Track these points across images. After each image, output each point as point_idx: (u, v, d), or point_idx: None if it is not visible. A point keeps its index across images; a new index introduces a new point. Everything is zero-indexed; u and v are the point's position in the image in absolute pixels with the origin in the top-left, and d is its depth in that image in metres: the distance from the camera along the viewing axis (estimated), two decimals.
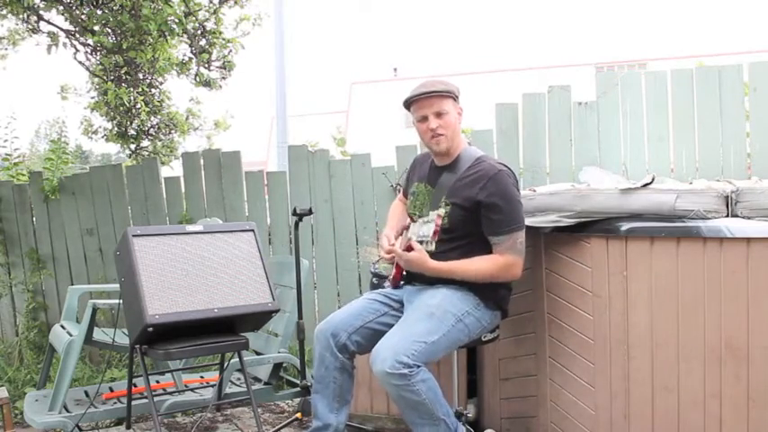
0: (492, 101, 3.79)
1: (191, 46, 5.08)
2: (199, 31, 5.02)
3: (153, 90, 6.13)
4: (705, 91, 3.32)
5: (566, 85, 3.53)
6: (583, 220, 2.35)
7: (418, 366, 2.10)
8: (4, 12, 4.92)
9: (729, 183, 2.34)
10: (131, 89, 5.66)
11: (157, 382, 3.36)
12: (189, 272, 2.65)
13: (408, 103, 2.40)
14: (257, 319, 2.81)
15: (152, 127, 6.47)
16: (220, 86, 5.52)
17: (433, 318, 2.22)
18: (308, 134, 5.37)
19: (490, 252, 2.32)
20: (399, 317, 2.37)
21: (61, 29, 5.00)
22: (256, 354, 3.43)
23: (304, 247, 3.85)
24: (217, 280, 2.68)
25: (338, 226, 4.05)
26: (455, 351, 2.56)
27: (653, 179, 2.31)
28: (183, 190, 4.44)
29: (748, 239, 2.09)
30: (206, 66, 5.24)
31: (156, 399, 2.89)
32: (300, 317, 3.10)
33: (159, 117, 6.36)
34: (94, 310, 3.06)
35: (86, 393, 3.28)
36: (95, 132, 7.20)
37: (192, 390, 3.32)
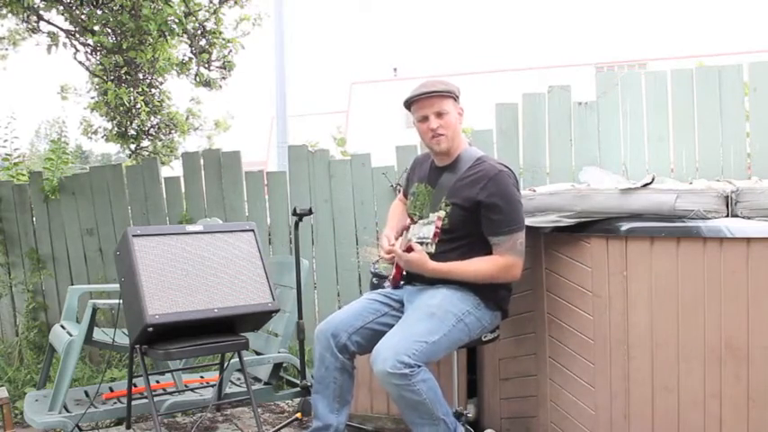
0: (492, 101, 3.79)
1: (191, 46, 5.08)
2: (199, 31, 5.02)
3: (153, 90, 6.13)
4: (705, 91, 3.32)
5: (566, 85, 3.53)
6: (583, 220, 2.35)
7: (419, 366, 2.10)
8: (4, 11, 4.91)
9: (729, 183, 2.34)
10: (131, 89, 5.66)
11: (157, 382, 3.36)
12: (189, 272, 2.65)
13: (409, 103, 2.40)
14: (257, 319, 2.81)
15: (152, 127, 6.47)
16: (220, 86, 5.52)
17: (434, 318, 2.22)
18: (308, 134, 5.37)
19: (490, 252, 2.32)
20: (400, 317, 2.37)
21: (61, 29, 5.00)
22: (256, 354, 3.43)
23: (304, 247, 3.85)
24: (217, 280, 2.68)
25: (338, 226, 4.05)
26: (455, 351, 2.56)
27: (653, 179, 2.31)
28: (183, 190, 4.44)
29: (748, 239, 2.09)
30: (206, 66, 5.24)
31: (156, 399, 2.89)
32: (300, 317, 3.10)
33: (159, 117, 6.36)
34: (94, 310, 3.06)
35: (86, 393, 3.28)
36: (95, 132, 7.20)
37: (192, 390, 3.32)
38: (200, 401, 3.23)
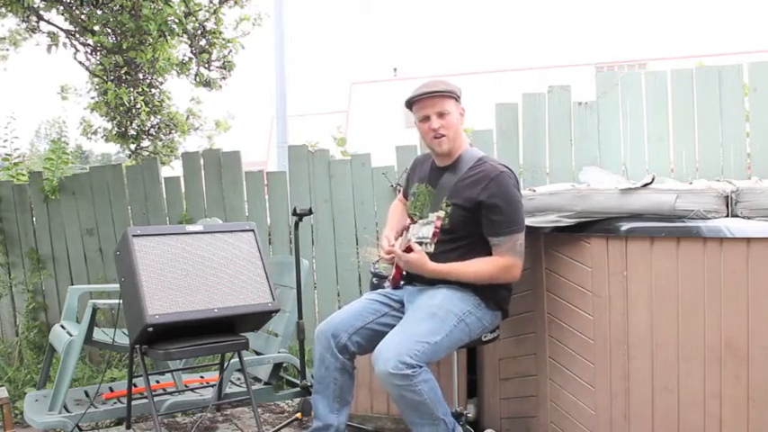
0: (492, 101, 3.79)
1: (191, 46, 5.08)
2: (199, 31, 5.02)
3: (153, 90, 6.13)
4: (705, 91, 3.32)
5: (566, 85, 3.53)
6: (583, 220, 2.35)
7: (420, 367, 2.10)
8: (3, 11, 4.91)
9: (729, 183, 2.34)
10: (131, 89, 5.66)
11: (157, 382, 3.36)
12: (189, 272, 2.65)
13: (410, 103, 2.40)
14: (257, 319, 2.81)
15: (152, 127, 6.47)
16: (220, 86, 5.51)
17: (436, 318, 2.22)
18: (308, 134, 5.37)
19: (490, 253, 2.32)
20: (400, 317, 2.37)
21: (61, 29, 5.00)
22: (256, 354, 3.43)
23: (304, 247, 3.85)
24: (217, 280, 2.68)
25: (338, 226, 4.05)
26: (455, 351, 2.56)
27: (653, 179, 2.31)
28: (183, 190, 4.44)
29: (748, 239, 2.09)
30: (206, 66, 5.24)
31: (156, 399, 2.89)
32: (300, 317, 3.10)
33: (159, 117, 6.36)
34: (94, 310, 3.06)
35: (86, 393, 3.28)
36: (95, 133, 7.20)
37: (192, 390, 3.32)
38: (200, 401, 3.23)
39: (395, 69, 22.69)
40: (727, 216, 2.22)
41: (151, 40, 4.50)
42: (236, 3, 5.20)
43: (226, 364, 3.07)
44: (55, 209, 4.67)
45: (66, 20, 4.89)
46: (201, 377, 3.63)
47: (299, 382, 3.12)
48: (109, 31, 4.64)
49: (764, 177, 2.94)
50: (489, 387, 2.87)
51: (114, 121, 6.15)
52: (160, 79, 5.95)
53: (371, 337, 2.36)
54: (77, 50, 5.20)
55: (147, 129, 6.36)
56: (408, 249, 2.27)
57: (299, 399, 3.13)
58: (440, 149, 2.38)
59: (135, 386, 2.94)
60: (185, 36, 4.88)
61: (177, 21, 4.43)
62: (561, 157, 3.52)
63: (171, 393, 3.25)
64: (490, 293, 2.34)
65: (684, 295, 2.18)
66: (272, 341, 3.37)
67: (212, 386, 3.28)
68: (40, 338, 4.57)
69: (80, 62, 5.34)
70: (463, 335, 2.28)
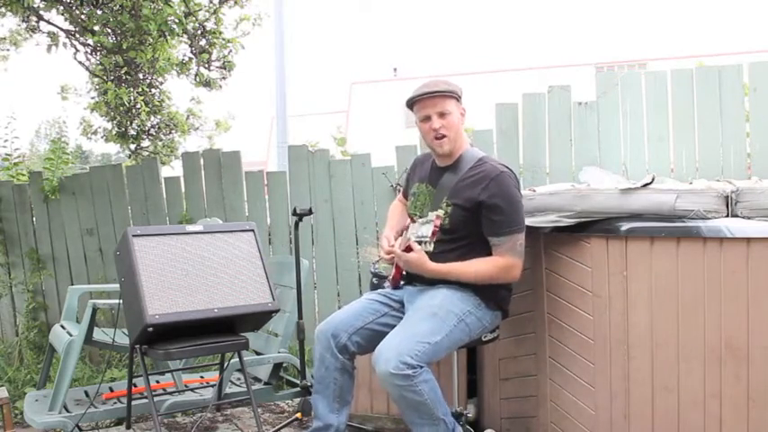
0: (492, 101, 3.79)
1: (191, 46, 5.08)
2: (199, 31, 5.02)
3: (153, 90, 6.13)
4: (705, 91, 3.32)
5: (566, 85, 3.53)
6: (583, 220, 2.35)
7: (421, 367, 2.10)
8: (3, 10, 4.91)
9: (729, 183, 2.34)
10: (131, 89, 5.66)
11: (157, 382, 3.36)
12: (189, 272, 2.65)
13: (411, 103, 2.39)
14: (257, 319, 2.81)
15: (152, 127, 6.47)
16: (220, 86, 5.51)
17: (436, 318, 2.22)
18: (308, 134, 5.37)
19: (490, 253, 2.32)
20: (400, 317, 2.37)
21: (61, 29, 5.00)
22: (256, 354, 3.43)
23: (304, 247, 3.85)
24: (217, 280, 2.68)
25: (338, 226, 4.05)
26: (455, 351, 2.56)
27: (653, 179, 2.31)
28: (183, 190, 4.44)
29: (748, 239, 2.09)
30: (206, 66, 5.24)
31: (156, 399, 2.89)
32: (300, 317, 3.10)
33: (159, 117, 6.36)
34: (94, 310, 3.06)
35: (86, 393, 3.28)
36: (95, 133, 7.20)
37: (192, 390, 3.32)
38: (200, 401, 3.23)
39: (395, 69, 22.69)
40: (727, 216, 2.22)
41: (151, 40, 4.50)
42: (236, 3, 5.20)
43: (226, 364, 3.07)
44: (55, 209, 4.67)
45: (66, 20, 4.89)
46: (201, 377, 3.63)
47: (299, 382, 3.12)
48: (109, 31, 4.64)
49: (764, 177, 2.94)
50: (489, 387, 2.87)
51: (114, 121, 6.15)
52: (160, 79, 5.95)
53: (371, 338, 2.36)
54: (77, 50, 5.20)
55: (147, 129, 6.36)
56: (408, 249, 2.27)
57: (299, 399, 3.13)
58: (441, 150, 2.38)
59: (135, 386, 2.94)
60: (185, 36, 4.88)
61: (177, 21, 4.43)
62: (561, 157, 3.52)
63: (171, 393, 3.25)
64: (490, 293, 2.34)
65: (684, 295, 2.18)
66: (272, 341, 3.37)
67: (212, 386, 3.28)
68: (40, 338, 4.57)
69: (80, 62, 5.34)
70: (463, 335, 2.28)
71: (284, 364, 3.50)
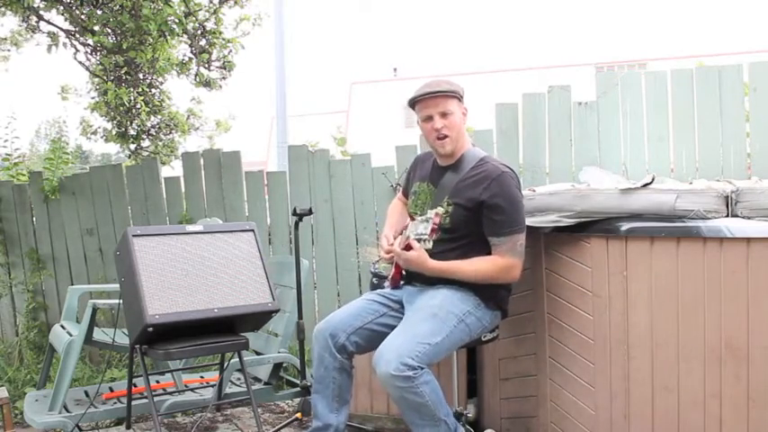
0: (492, 101, 3.79)
1: (191, 46, 5.08)
2: (199, 31, 5.01)
3: (153, 90, 6.13)
4: (705, 91, 3.32)
5: (566, 85, 3.53)
6: (583, 220, 2.35)
7: (422, 368, 2.10)
8: (3, 10, 4.91)
9: (729, 183, 2.34)
10: (131, 89, 5.66)
11: (157, 382, 3.36)
12: (189, 272, 2.65)
13: (413, 103, 2.40)
14: (257, 319, 2.81)
15: (152, 127, 6.47)
16: (220, 86, 5.51)
17: (436, 318, 2.22)
18: (308, 134, 5.37)
19: (489, 253, 2.32)
20: (398, 317, 2.37)
21: (61, 29, 5.00)
22: (256, 354, 3.43)
23: (304, 247, 3.85)
24: (217, 280, 2.69)
25: (338, 226, 4.05)
26: (455, 351, 2.56)
27: (653, 179, 2.31)
28: (183, 190, 4.44)
29: (748, 239, 2.09)
30: (206, 66, 5.24)
31: (156, 399, 2.89)
32: (300, 317, 3.10)
33: (159, 117, 6.36)
34: (94, 310, 3.06)
35: (86, 393, 3.29)
36: (94, 133, 7.20)
37: (192, 390, 3.32)
38: (200, 401, 3.23)
39: (395, 69, 22.69)
40: (727, 216, 2.22)
41: (151, 40, 4.50)
42: (236, 3, 5.19)
43: (226, 364, 3.07)
44: (55, 209, 4.67)
45: (66, 20, 4.89)
46: (201, 377, 3.63)
47: (299, 382, 3.12)
48: (109, 31, 4.64)
49: (764, 177, 2.94)
50: (489, 387, 2.87)
51: (114, 121, 6.14)
52: (160, 79, 5.95)
53: (370, 338, 2.36)
54: (77, 50, 5.20)
55: (147, 129, 6.35)
56: (408, 247, 2.26)
57: (299, 399, 3.13)
58: (443, 151, 2.38)
59: (135, 386, 2.94)
60: (185, 36, 4.88)
61: (177, 21, 4.43)
62: (561, 157, 3.52)
63: (171, 393, 3.25)
64: (490, 293, 2.34)
65: (684, 295, 2.18)
66: (272, 341, 3.37)
67: (212, 386, 3.28)
68: (40, 338, 4.57)
69: (80, 62, 5.34)
70: (463, 335, 2.28)
71: (284, 364, 3.50)
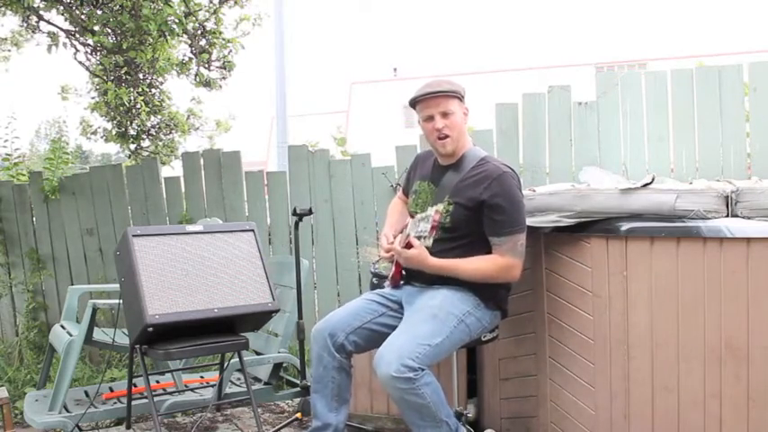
0: (492, 101, 3.79)
1: (191, 46, 5.08)
2: (199, 31, 5.01)
3: (153, 90, 6.13)
4: (705, 91, 3.32)
5: (566, 85, 3.53)
6: (583, 220, 2.35)
7: (423, 370, 2.10)
8: (3, 9, 4.91)
9: (729, 183, 2.34)
10: (131, 89, 5.66)
11: (157, 382, 3.36)
12: (189, 272, 2.65)
13: (414, 103, 2.40)
14: (257, 319, 2.81)
15: (152, 127, 6.47)
16: (220, 86, 5.51)
17: (436, 319, 2.22)
18: (308, 134, 5.37)
19: (490, 252, 2.32)
20: (397, 317, 2.37)
21: (61, 29, 5.00)
22: (256, 354, 3.43)
23: (304, 247, 3.85)
24: (217, 280, 2.69)
25: (338, 226, 4.05)
26: (455, 351, 2.56)
27: (653, 179, 2.31)
28: (183, 190, 4.44)
29: (748, 239, 2.09)
30: (206, 66, 5.23)
31: (156, 399, 2.89)
32: (300, 317, 3.10)
33: (159, 117, 6.36)
34: (94, 310, 3.06)
35: (86, 393, 3.29)
36: (94, 133, 7.20)
37: (192, 390, 3.32)
38: (200, 401, 3.23)
39: (395, 69, 22.69)
40: (727, 216, 2.22)
41: (151, 40, 4.50)
42: (236, 3, 5.19)
43: (226, 364, 3.07)
44: (55, 209, 4.67)
45: (66, 20, 4.89)
46: (201, 377, 3.63)
47: (299, 382, 3.12)
48: (109, 31, 4.64)
49: (764, 177, 2.94)
50: (489, 387, 2.87)
51: (114, 121, 6.15)
52: (160, 79, 5.95)
53: (369, 337, 2.36)
54: (77, 50, 5.20)
55: (147, 129, 6.36)
56: (408, 246, 2.26)
57: (299, 399, 3.14)
58: (443, 150, 2.39)
59: (135, 386, 2.94)
60: (185, 36, 4.87)
61: (177, 21, 4.43)
62: (561, 157, 3.52)
63: (171, 393, 3.25)
64: (489, 293, 2.34)
65: (684, 295, 2.18)
66: (272, 341, 3.37)
67: (212, 386, 3.28)
68: (40, 338, 4.57)
69: (80, 62, 5.34)
70: (464, 335, 2.28)
71: (284, 364, 3.50)
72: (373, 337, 2.37)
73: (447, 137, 2.35)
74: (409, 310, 2.35)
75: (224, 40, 5.17)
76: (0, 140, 4.93)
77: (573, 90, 3.52)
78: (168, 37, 4.48)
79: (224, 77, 5.45)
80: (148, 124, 6.35)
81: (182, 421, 3.22)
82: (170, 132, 6.75)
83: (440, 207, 2.20)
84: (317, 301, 4.14)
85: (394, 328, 2.32)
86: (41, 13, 4.86)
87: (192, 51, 5.16)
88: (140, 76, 5.68)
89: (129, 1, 4.24)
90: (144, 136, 6.36)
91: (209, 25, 5.07)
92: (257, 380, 3.39)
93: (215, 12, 5.03)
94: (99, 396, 3.17)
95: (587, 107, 3.48)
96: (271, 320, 2.90)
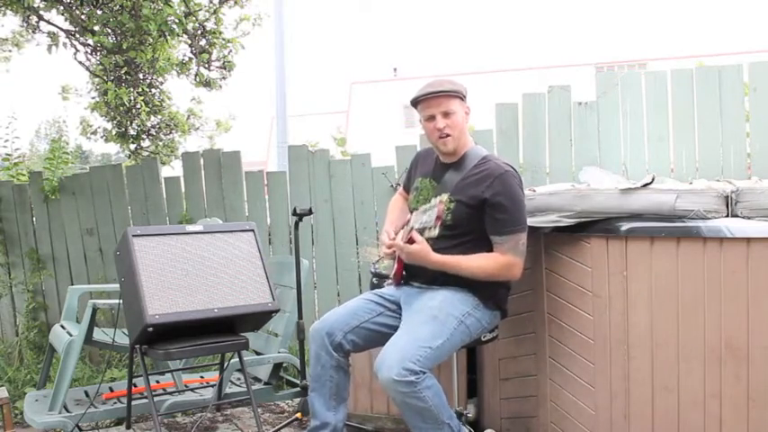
0: (492, 101, 3.79)
1: (191, 46, 5.07)
2: (199, 32, 5.01)
3: (153, 90, 6.12)
4: (705, 91, 3.32)
5: (566, 85, 3.53)
6: (583, 220, 2.35)
7: (424, 373, 2.09)
8: (3, 9, 4.91)
9: (729, 183, 2.34)
10: (131, 89, 5.66)
11: (157, 382, 3.36)
12: (189, 272, 2.65)
13: (416, 102, 2.40)
14: (257, 319, 2.81)
15: (152, 127, 6.47)
16: (220, 86, 5.51)
17: (437, 321, 2.22)
18: (308, 134, 5.37)
19: (491, 251, 2.31)
20: (395, 317, 2.38)
21: (61, 29, 5.00)
22: (256, 354, 3.43)
23: (304, 247, 3.85)
24: (217, 280, 2.69)
25: (338, 226, 4.05)
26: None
27: (653, 179, 2.31)
28: (183, 190, 4.44)
29: (748, 239, 2.09)
30: (206, 66, 5.23)
31: (156, 399, 2.89)
32: (300, 317, 3.10)
33: (159, 117, 6.36)
34: (94, 310, 3.06)
35: (86, 393, 3.29)
36: (94, 133, 7.20)
37: (192, 390, 3.32)
38: (200, 401, 3.23)
39: (395, 69, 22.69)
40: (727, 216, 2.22)
41: (151, 40, 4.50)
42: (236, 3, 5.19)
43: (226, 364, 3.07)
44: (55, 209, 4.67)
45: (66, 20, 4.89)
46: (201, 377, 3.63)
47: (299, 382, 3.12)
48: (109, 31, 4.64)
49: (764, 177, 2.94)
50: (489, 387, 2.87)
51: (114, 121, 6.14)
52: (160, 79, 5.95)
53: (367, 337, 2.37)
54: (77, 50, 5.19)
55: (147, 129, 6.35)
56: (411, 241, 2.25)
57: (299, 399, 3.13)
58: (444, 148, 2.39)
59: (135, 386, 2.94)
60: (185, 36, 4.87)
61: (177, 21, 4.43)
62: (561, 157, 3.52)
63: (171, 393, 3.25)
64: (489, 293, 2.34)
65: (684, 295, 2.18)
66: (272, 341, 3.37)
67: (212, 386, 3.28)
68: (40, 338, 4.57)
69: (80, 62, 5.34)
70: (464, 336, 2.28)
71: (284, 364, 3.50)
72: (371, 337, 2.37)
73: (448, 135, 2.36)
74: (408, 311, 2.34)
75: (224, 40, 5.17)
76: (0, 140, 4.93)
77: (573, 90, 3.52)
78: (168, 37, 4.48)
79: (224, 77, 5.44)
80: (148, 124, 6.35)
81: (182, 421, 3.22)
82: (170, 132, 6.75)
83: (444, 197, 2.19)
84: (317, 301, 4.14)
85: (392, 327, 2.32)
86: (41, 13, 4.86)
87: (192, 51, 5.16)
88: (140, 76, 5.68)
89: (129, 1, 4.24)
90: (144, 136, 6.35)
91: (209, 25, 5.07)
92: (257, 380, 3.39)
93: (215, 12, 5.03)
94: (99, 396, 3.17)
95: (587, 107, 3.48)
96: (271, 320, 2.90)
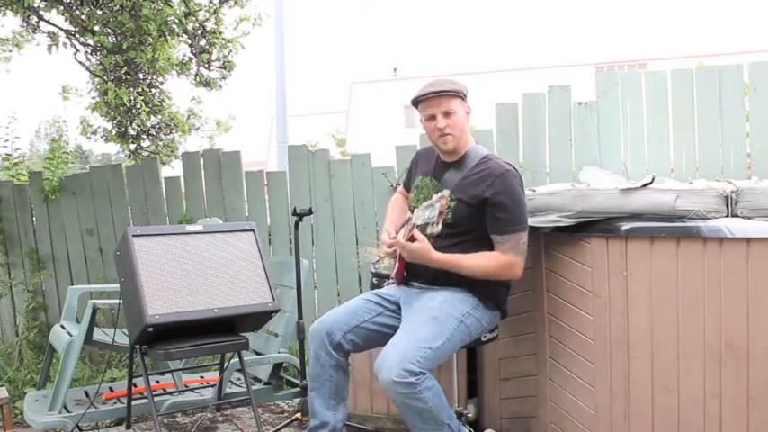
0: (492, 101, 3.80)
1: (191, 46, 5.07)
2: (199, 31, 5.01)
3: (153, 90, 6.12)
4: (705, 91, 3.32)
5: (566, 85, 3.53)
6: (583, 220, 2.35)
7: (424, 374, 2.09)
8: (3, 9, 4.91)
9: (729, 183, 2.34)
10: (131, 89, 5.66)
11: (157, 382, 3.36)
12: (189, 272, 2.65)
13: (416, 102, 2.40)
14: (257, 319, 2.81)
15: (152, 127, 6.46)
16: (220, 86, 5.50)
17: (437, 321, 2.22)
18: (308, 134, 5.38)
19: (492, 250, 2.31)
20: (395, 317, 2.38)
21: (61, 29, 5.00)
22: (256, 354, 3.43)
23: (304, 247, 3.85)
24: (217, 280, 2.69)
25: (338, 226, 4.05)
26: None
27: (653, 179, 2.31)
28: (183, 190, 4.44)
29: (748, 239, 2.09)
30: (206, 66, 5.23)
31: (156, 399, 2.89)
32: (300, 317, 3.10)
33: (159, 117, 6.36)
34: (94, 310, 3.06)
35: (86, 393, 3.29)
36: (94, 133, 7.20)
37: (192, 390, 3.32)
38: (200, 401, 3.23)
39: (395, 69, 22.71)
40: (727, 216, 2.22)
41: (151, 40, 4.49)
42: (236, 3, 5.19)
43: (226, 364, 3.07)
44: (55, 209, 4.67)
45: (66, 20, 4.89)
46: (201, 377, 3.63)
47: (299, 382, 3.12)
48: (109, 31, 4.64)
49: (764, 177, 2.94)
50: (489, 387, 2.87)
51: (114, 121, 6.14)
52: (160, 79, 5.94)
53: (366, 336, 2.37)
54: (77, 50, 5.19)
55: (147, 129, 6.35)
56: (412, 239, 2.25)
57: (299, 399, 3.13)
58: (445, 147, 2.39)
59: (135, 386, 2.94)
60: (185, 36, 4.87)
61: (177, 21, 4.43)
62: (561, 157, 3.52)
63: (171, 393, 3.25)
64: (489, 293, 2.34)
65: (684, 295, 2.18)
66: (272, 341, 3.37)
67: (212, 386, 3.28)
68: (40, 338, 4.57)
69: (80, 62, 5.34)
70: (464, 336, 2.28)
71: (284, 364, 3.50)
72: (370, 337, 2.37)
73: (449, 134, 2.36)
74: (408, 312, 2.34)
75: (224, 40, 5.17)
76: (0, 140, 4.93)
77: (573, 90, 3.52)
78: (168, 37, 4.47)
79: (224, 77, 5.44)
80: (148, 124, 6.34)
81: (182, 421, 3.22)
82: (170, 132, 6.75)
83: (445, 193, 2.18)
84: (317, 301, 4.14)
85: (391, 327, 2.32)
86: (41, 13, 4.86)
87: (192, 51, 5.15)
88: (140, 76, 5.67)
89: (129, 1, 4.24)
90: (144, 136, 6.35)
91: (209, 25, 5.07)
92: (257, 380, 3.39)
93: (215, 12, 5.03)
94: (99, 396, 3.17)
95: (587, 107, 3.48)
96: (271, 320, 2.90)
